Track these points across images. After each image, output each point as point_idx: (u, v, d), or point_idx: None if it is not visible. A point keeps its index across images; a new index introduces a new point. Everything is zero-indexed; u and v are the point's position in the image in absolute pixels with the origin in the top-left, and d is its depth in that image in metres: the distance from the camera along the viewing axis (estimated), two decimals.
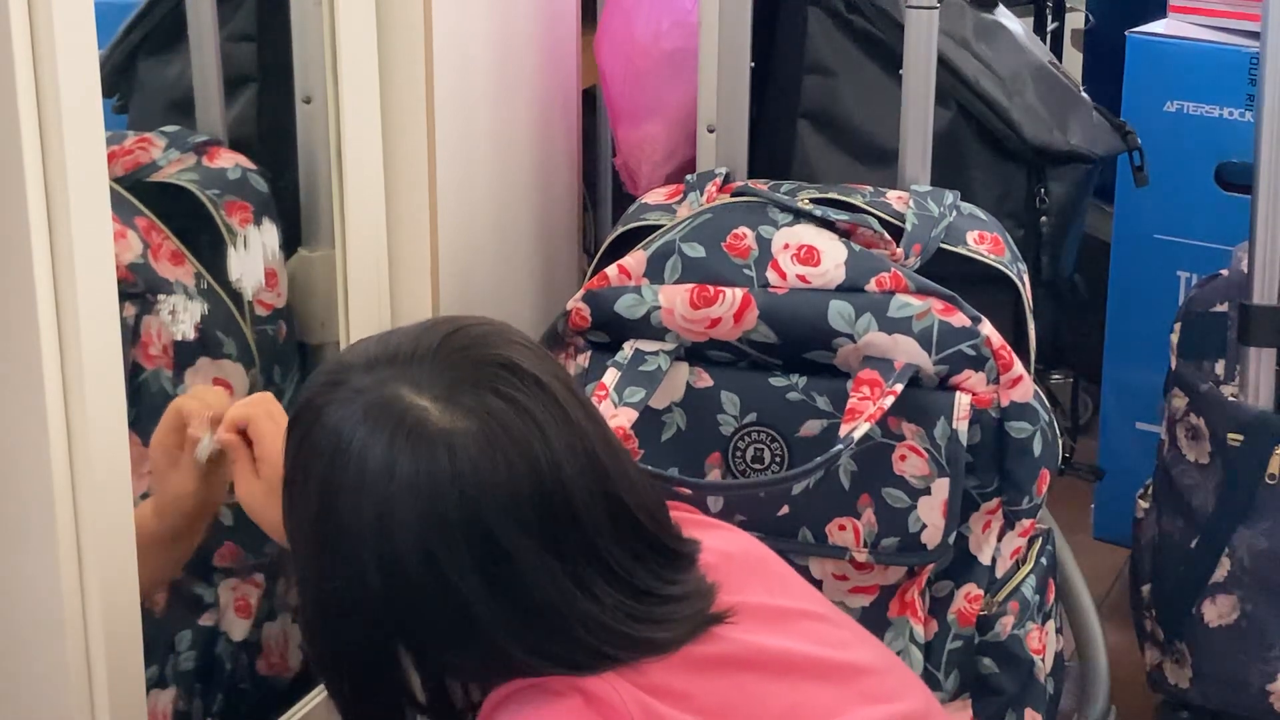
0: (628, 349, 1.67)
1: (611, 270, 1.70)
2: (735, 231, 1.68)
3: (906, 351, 1.61)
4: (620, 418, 1.60)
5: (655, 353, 1.67)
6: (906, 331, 1.62)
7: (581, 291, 1.71)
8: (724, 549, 1.30)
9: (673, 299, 1.66)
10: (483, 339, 1.21)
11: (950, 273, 1.68)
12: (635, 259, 1.69)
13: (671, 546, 1.23)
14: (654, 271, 1.68)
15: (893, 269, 1.64)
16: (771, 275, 1.65)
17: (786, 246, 1.66)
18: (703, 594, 1.23)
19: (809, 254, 1.65)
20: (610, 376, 1.64)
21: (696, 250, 1.68)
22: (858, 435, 1.56)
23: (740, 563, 1.30)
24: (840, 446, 1.55)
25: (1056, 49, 2.86)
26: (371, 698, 1.24)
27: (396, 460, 1.15)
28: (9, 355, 1.33)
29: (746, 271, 1.66)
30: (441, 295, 1.80)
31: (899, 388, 1.59)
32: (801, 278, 1.65)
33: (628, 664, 1.17)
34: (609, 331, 1.70)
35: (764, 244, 1.67)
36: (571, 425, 1.18)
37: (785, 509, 1.64)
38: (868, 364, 1.62)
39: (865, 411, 1.57)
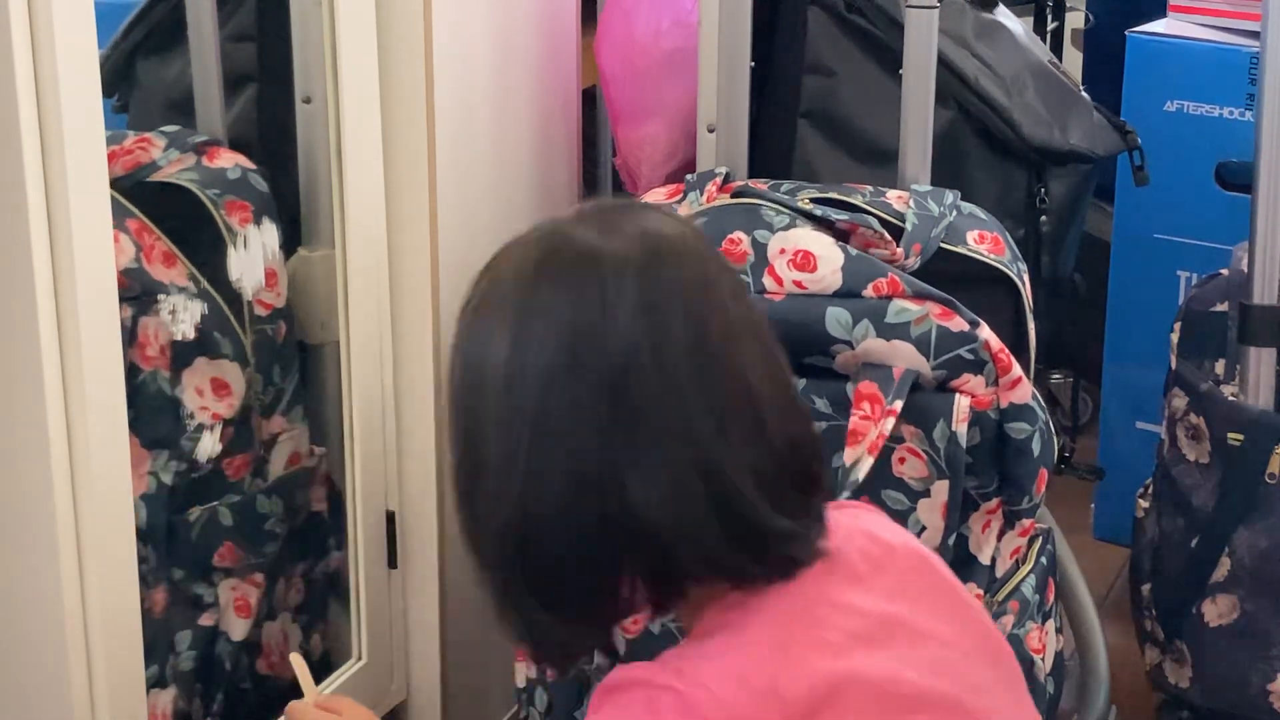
0: None
1: None
2: (730, 237, 1.67)
3: (905, 357, 1.61)
4: None
5: None
6: (904, 337, 1.61)
7: None
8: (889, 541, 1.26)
9: None
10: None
11: (950, 272, 1.68)
12: None
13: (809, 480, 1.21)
14: None
15: (890, 273, 1.63)
16: (768, 282, 1.65)
17: (783, 252, 1.66)
18: (810, 539, 1.19)
19: (805, 260, 1.65)
20: None
21: None
22: (861, 475, 1.55)
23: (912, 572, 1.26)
24: (847, 493, 1.55)
25: (1056, 49, 2.86)
26: (560, 613, 1.19)
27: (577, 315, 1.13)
28: (9, 356, 1.33)
29: (743, 278, 1.65)
30: (442, 295, 1.80)
31: (898, 405, 1.58)
32: (798, 284, 1.64)
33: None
34: None
35: (760, 249, 1.66)
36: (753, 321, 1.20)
37: None
38: (866, 371, 1.61)
39: (866, 435, 1.57)
